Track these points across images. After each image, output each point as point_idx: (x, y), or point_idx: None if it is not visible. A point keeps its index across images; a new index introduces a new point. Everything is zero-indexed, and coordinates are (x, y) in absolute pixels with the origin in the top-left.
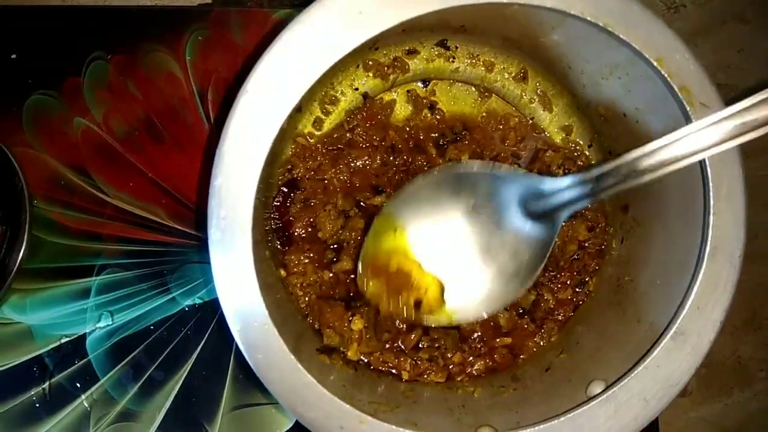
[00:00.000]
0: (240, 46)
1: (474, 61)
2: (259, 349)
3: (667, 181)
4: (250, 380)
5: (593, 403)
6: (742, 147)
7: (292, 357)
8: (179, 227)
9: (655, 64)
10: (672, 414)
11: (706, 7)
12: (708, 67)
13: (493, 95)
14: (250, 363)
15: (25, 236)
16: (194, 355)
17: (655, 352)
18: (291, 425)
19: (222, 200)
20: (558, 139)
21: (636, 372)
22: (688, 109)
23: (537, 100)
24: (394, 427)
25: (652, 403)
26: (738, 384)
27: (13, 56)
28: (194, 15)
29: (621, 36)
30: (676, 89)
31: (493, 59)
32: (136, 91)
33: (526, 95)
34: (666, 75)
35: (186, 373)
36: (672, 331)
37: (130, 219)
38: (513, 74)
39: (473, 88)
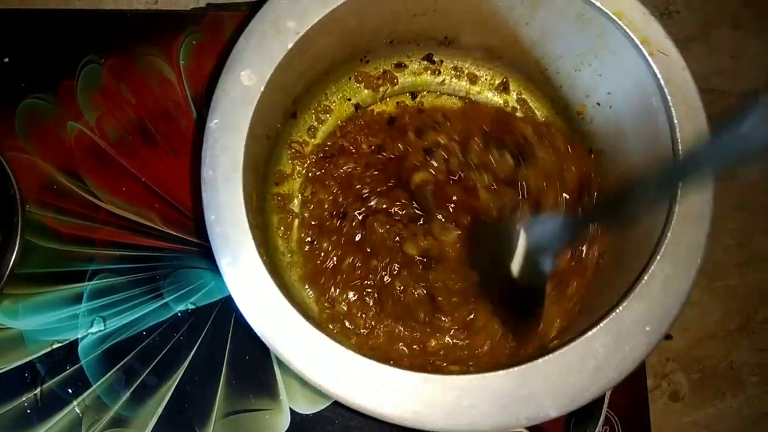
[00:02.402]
0: None
1: (458, 74)
2: (246, 288)
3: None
4: (243, 386)
5: (584, 336)
6: None
7: (273, 283)
8: (172, 232)
9: (614, 17)
10: (665, 419)
11: (700, 12)
12: (702, 72)
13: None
14: (233, 296)
15: (18, 241)
16: (187, 361)
17: (645, 278)
18: (284, 431)
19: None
20: None
21: (627, 300)
22: (648, 58)
23: (519, 108)
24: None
25: (650, 328)
26: (731, 389)
27: (6, 60)
28: (188, 19)
29: None
30: (636, 41)
31: (476, 71)
32: (129, 95)
33: (508, 105)
34: (625, 27)
35: (179, 379)
36: (652, 266)
37: (123, 224)
38: (495, 85)
39: (459, 100)
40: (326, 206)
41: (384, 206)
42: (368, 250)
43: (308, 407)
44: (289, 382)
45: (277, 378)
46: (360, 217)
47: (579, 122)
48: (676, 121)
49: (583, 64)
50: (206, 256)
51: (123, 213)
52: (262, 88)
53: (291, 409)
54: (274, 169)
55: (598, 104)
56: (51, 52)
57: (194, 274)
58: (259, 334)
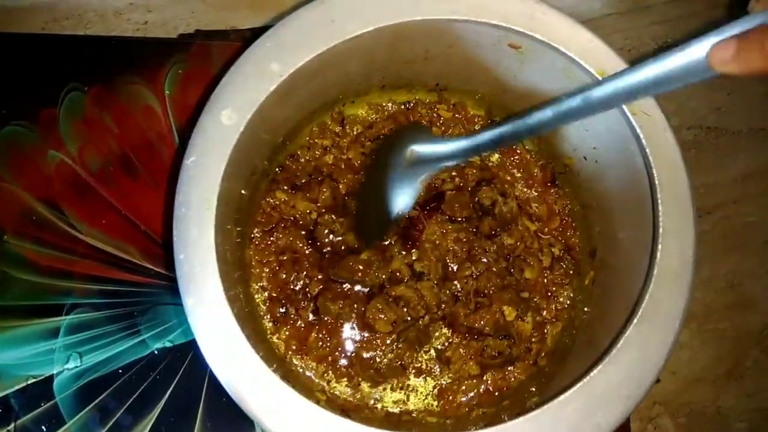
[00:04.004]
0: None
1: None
2: (210, 329)
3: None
4: (219, 428)
5: (556, 400)
6: (733, 192)
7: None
8: (152, 267)
9: (597, 76)
10: None
11: None
12: (698, 109)
13: None
14: (197, 339)
15: None
16: (163, 401)
17: (620, 343)
18: None
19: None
20: None
21: (602, 365)
22: (631, 119)
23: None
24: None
25: (625, 393)
26: None
27: None
28: (175, 47)
29: (566, 52)
30: None
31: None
32: (112, 125)
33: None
34: None
35: (154, 419)
36: (628, 330)
37: (102, 257)
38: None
39: None
40: (284, 276)
41: (324, 285)
42: (331, 323)
43: None
44: None
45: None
46: (309, 299)
47: (566, 175)
48: (657, 182)
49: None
50: None
51: (102, 246)
52: (242, 128)
53: None
54: (267, 205)
55: (585, 158)
56: (34, 78)
57: (172, 311)
58: (216, 373)
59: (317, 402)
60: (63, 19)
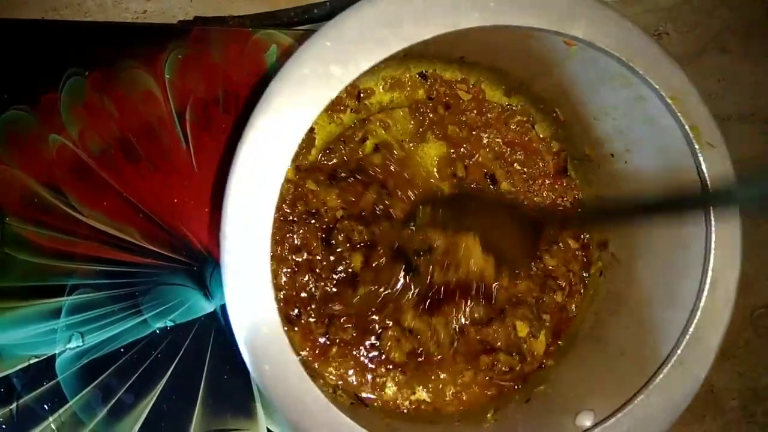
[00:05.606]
0: (220, 66)
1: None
2: (265, 359)
3: (651, 225)
4: (220, 405)
5: (602, 426)
6: None
7: (302, 370)
8: (153, 248)
9: (670, 102)
10: None
11: (689, 35)
12: None
13: None
14: (253, 374)
15: None
16: (164, 379)
17: (661, 376)
18: None
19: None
20: None
21: (644, 395)
22: (696, 147)
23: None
24: None
25: (663, 416)
26: (711, 412)
27: None
28: (174, 33)
29: (641, 73)
30: (687, 128)
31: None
32: (113, 109)
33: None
34: (679, 114)
35: (156, 397)
36: (671, 363)
37: (104, 239)
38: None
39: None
40: (303, 279)
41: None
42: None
43: (286, 428)
44: (267, 403)
45: (254, 398)
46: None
47: (585, 163)
48: (712, 216)
49: (606, 116)
50: (186, 272)
51: (104, 228)
52: (299, 140)
53: (268, 429)
54: (294, 193)
55: (612, 156)
56: (34, 63)
57: (174, 291)
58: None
59: (333, 389)
60: (62, 8)
